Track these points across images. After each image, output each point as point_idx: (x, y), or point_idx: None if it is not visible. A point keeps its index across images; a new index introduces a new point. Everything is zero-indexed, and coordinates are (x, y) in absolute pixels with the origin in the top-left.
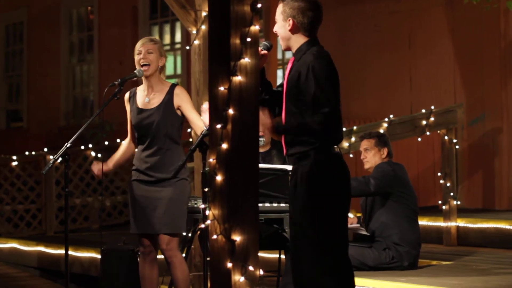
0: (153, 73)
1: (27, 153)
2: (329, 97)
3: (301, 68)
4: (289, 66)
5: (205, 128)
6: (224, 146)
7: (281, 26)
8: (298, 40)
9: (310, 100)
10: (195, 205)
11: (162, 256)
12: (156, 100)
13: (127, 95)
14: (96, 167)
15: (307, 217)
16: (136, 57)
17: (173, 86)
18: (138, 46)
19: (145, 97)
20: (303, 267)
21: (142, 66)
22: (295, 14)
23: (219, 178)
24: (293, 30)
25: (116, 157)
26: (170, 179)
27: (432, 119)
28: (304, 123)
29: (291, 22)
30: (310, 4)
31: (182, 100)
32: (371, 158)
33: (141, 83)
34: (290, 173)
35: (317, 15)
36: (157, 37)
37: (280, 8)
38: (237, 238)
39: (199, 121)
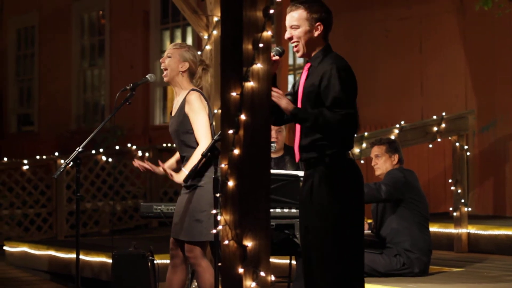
0: (172, 79)
1: (38, 157)
2: (350, 102)
3: (323, 73)
4: (305, 72)
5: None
6: (236, 151)
7: (307, 31)
8: (318, 45)
9: (330, 103)
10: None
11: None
12: (176, 108)
13: None
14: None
15: (325, 224)
16: None
17: (190, 91)
18: None
19: (174, 103)
20: (322, 276)
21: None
22: (322, 20)
23: (230, 183)
24: (321, 35)
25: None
26: (192, 187)
27: (443, 125)
28: (324, 117)
29: (320, 27)
30: (329, 10)
31: (190, 110)
32: (382, 164)
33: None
34: (301, 178)
35: (332, 21)
36: (168, 42)
37: (302, 14)
38: (248, 243)
39: (202, 138)
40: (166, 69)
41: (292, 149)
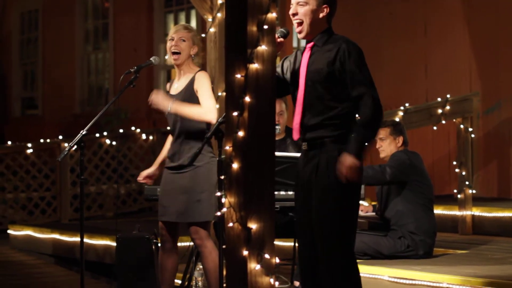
0: (183, 62)
1: (42, 140)
2: (370, 78)
3: (338, 49)
4: (307, 51)
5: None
6: (241, 133)
7: (314, 11)
8: (321, 27)
9: (348, 80)
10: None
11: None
12: (182, 86)
13: (168, 85)
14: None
15: (336, 204)
16: (168, 44)
17: (198, 71)
18: (171, 32)
19: (175, 83)
20: (331, 256)
21: (172, 54)
22: (329, 2)
23: (235, 166)
24: (325, 17)
25: (160, 157)
26: (190, 166)
27: (447, 107)
28: (366, 123)
29: (326, 9)
30: None
31: (199, 84)
32: (387, 147)
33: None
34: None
35: (336, 7)
36: (172, 25)
37: None
38: (253, 226)
39: (207, 101)
40: (179, 53)
41: None
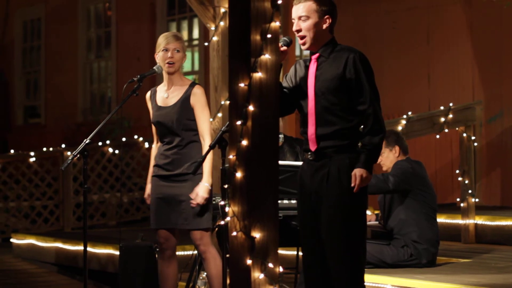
0: (176, 71)
1: (44, 149)
2: (376, 92)
3: (346, 61)
4: (313, 63)
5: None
6: (244, 142)
7: (316, 24)
8: (325, 38)
9: (356, 93)
10: (214, 202)
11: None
12: (175, 97)
13: (148, 94)
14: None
15: (345, 210)
16: (161, 54)
17: (193, 84)
18: (163, 42)
19: (164, 93)
20: (341, 265)
21: (168, 64)
22: (330, 13)
23: (239, 174)
24: (328, 28)
25: (150, 171)
26: (189, 175)
27: (450, 116)
28: (373, 141)
29: (329, 20)
30: (334, 3)
31: (196, 102)
32: (385, 159)
33: (158, 80)
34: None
35: (337, 14)
36: None
37: (312, 6)
38: (257, 235)
39: (206, 135)
40: (173, 63)
41: (290, 139)
